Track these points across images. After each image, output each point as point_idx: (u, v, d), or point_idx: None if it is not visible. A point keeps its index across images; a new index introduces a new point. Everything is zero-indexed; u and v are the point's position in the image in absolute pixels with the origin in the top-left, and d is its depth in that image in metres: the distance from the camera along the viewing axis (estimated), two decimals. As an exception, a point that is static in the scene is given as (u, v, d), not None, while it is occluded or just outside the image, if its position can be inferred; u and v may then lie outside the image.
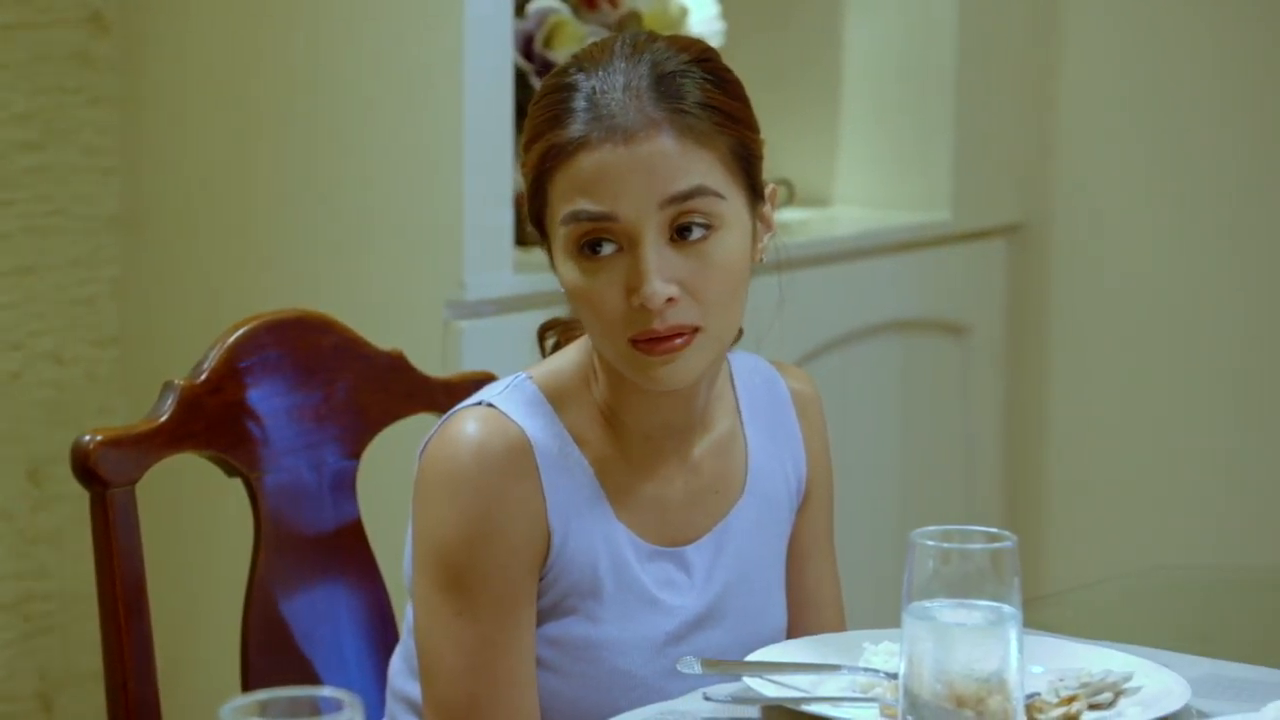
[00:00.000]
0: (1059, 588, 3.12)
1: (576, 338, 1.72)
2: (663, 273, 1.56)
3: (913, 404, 3.29)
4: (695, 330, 1.58)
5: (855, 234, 3.22)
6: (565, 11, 2.83)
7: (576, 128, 1.57)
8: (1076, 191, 3.35)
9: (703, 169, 1.58)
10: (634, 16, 2.92)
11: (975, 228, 3.35)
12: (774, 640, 1.71)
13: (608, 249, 1.57)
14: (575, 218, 1.57)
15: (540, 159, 1.60)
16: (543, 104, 1.61)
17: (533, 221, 1.64)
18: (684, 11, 2.98)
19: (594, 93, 1.58)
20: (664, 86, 1.58)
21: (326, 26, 2.73)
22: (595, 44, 1.64)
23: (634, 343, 1.58)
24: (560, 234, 1.59)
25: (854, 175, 3.35)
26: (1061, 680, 1.52)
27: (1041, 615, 1.97)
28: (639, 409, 1.66)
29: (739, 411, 1.75)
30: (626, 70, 1.59)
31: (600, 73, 1.59)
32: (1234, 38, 3.17)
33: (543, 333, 1.78)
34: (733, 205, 1.60)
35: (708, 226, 1.58)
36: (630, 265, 1.57)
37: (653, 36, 1.64)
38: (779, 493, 1.76)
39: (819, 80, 3.33)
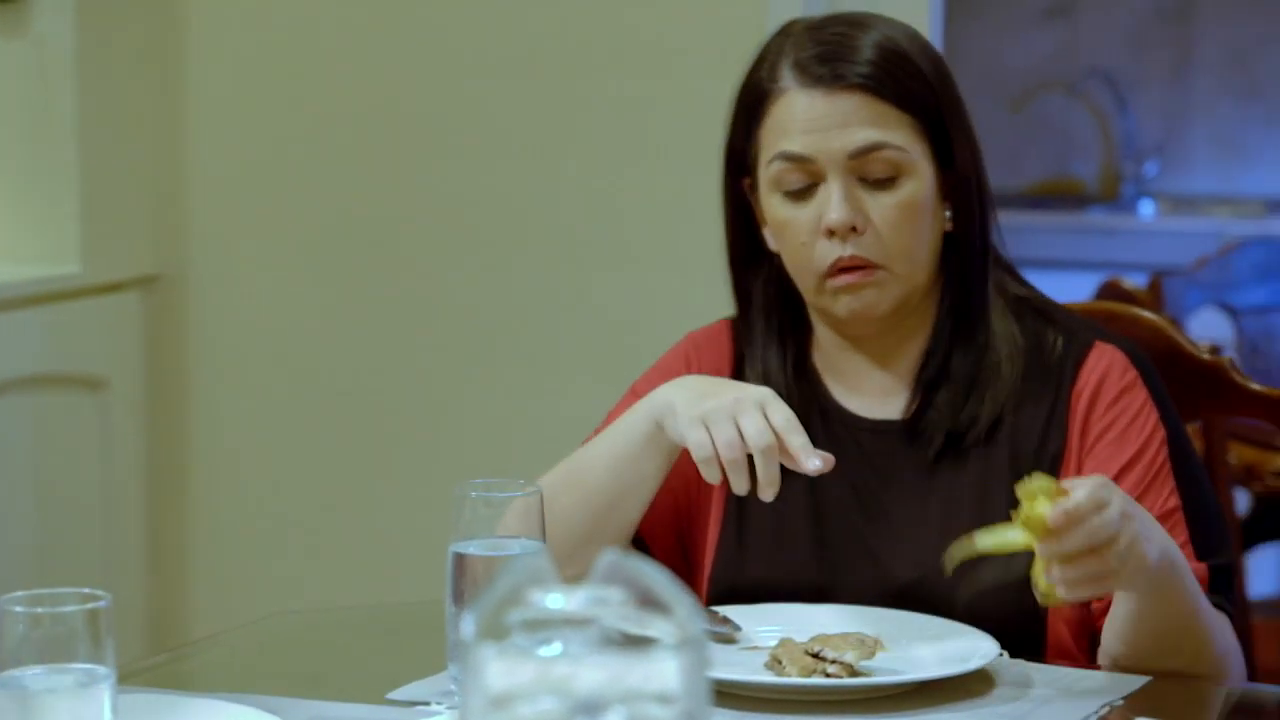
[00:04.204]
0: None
1: None
2: None
3: (47, 462, 3.19)
4: None
5: (-21, 289, 3.10)
6: None
7: None
8: (210, 242, 3.34)
9: None
10: None
11: (108, 280, 3.30)
12: None
13: None
14: None
15: None
16: None
17: None
18: None
19: None
20: None
21: None
22: None
23: None
24: None
25: (-23, 229, 3.23)
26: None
27: (170, 670, 1.95)
28: None
29: None
30: None
31: None
32: (354, 89, 3.25)
33: None
34: None
35: None
36: None
37: None
38: None
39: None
